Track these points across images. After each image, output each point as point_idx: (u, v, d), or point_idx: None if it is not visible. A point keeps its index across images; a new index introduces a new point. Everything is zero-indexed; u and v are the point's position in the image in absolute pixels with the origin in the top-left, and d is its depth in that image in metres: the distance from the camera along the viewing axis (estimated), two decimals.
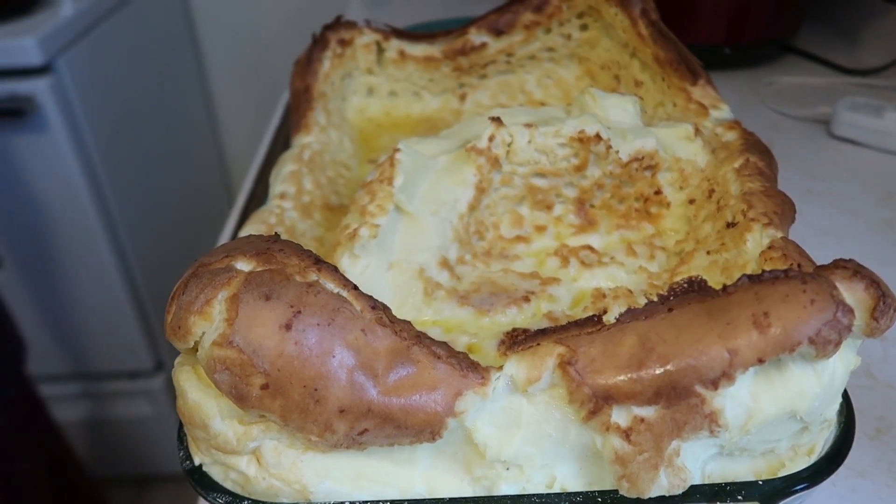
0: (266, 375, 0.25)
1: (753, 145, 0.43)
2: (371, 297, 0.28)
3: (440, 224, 0.40)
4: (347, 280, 0.28)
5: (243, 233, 0.41)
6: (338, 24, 0.58)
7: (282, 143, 1.05)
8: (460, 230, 0.41)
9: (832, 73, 0.86)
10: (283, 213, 0.44)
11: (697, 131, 0.45)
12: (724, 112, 0.48)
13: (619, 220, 0.44)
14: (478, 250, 0.42)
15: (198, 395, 0.28)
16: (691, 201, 0.43)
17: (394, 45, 0.59)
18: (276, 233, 0.31)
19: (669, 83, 0.51)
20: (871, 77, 0.84)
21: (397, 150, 0.41)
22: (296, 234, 0.43)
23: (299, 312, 0.26)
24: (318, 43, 0.57)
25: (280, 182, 0.47)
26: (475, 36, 0.58)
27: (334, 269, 0.28)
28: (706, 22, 0.84)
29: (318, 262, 0.28)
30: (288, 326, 0.25)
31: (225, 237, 0.76)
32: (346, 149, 0.54)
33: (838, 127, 0.72)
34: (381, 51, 0.59)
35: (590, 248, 0.42)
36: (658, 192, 0.44)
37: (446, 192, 0.41)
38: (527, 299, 0.38)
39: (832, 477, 0.29)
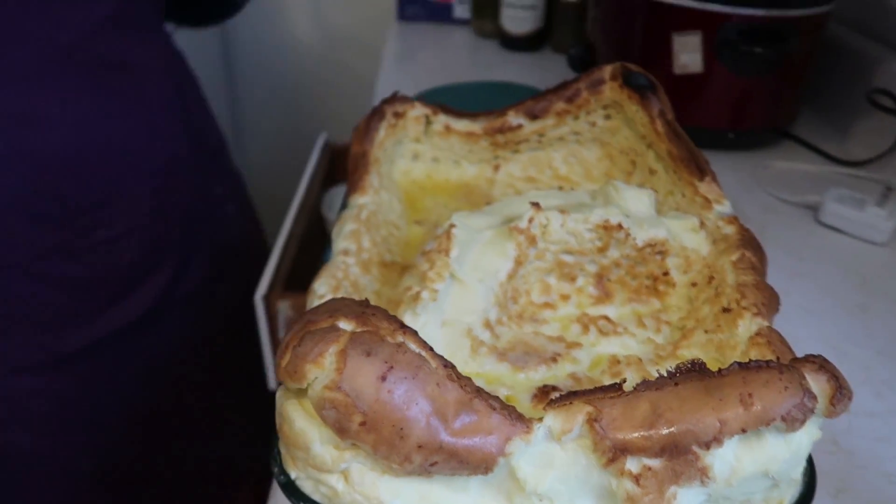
0: (364, 415, 0.33)
1: (749, 241, 0.51)
2: (443, 357, 0.36)
3: (485, 290, 0.48)
4: (425, 342, 0.36)
5: (318, 282, 0.48)
6: (394, 98, 0.66)
7: (314, 191, 1.12)
8: (500, 295, 0.49)
9: (823, 162, 0.95)
10: (348, 269, 0.51)
11: (702, 225, 0.53)
12: (725, 207, 0.56)
13: (631, 294, 0.52)
14: (512, 313, 0.50)
15: (303, 424, 0.35)
16: (693, 284, 0.51)
17: (441, 120, 0.67)
18: (365, 298, 0.38)
19: (680, 176, 0.59)
20: (858, 168, 0.92)
21: (453, 225, 0.49)
22: (359, 287, 0.50)
23: (392, 367, 0.33)
24: (376, 114, 0.65)
25: (342, 239, 0.54)
26: (513, 118, 0.66)
27: (415, 333, 0.36)
28: (712, 108, 0.93)
29: (403, 327, 0.36)
30: (383, 378, 0.33)
31: (270, 268, 0.83)
32: (396, 209, 0.62)
33: (825, 215, 0.81)
34: (428, 123, 0.67)
35: (606, 318, 0.50)
36: (666, 274, 0.52)
37: (490, 263, 0.49)
38: (554, 360, 0.45)
39: None
